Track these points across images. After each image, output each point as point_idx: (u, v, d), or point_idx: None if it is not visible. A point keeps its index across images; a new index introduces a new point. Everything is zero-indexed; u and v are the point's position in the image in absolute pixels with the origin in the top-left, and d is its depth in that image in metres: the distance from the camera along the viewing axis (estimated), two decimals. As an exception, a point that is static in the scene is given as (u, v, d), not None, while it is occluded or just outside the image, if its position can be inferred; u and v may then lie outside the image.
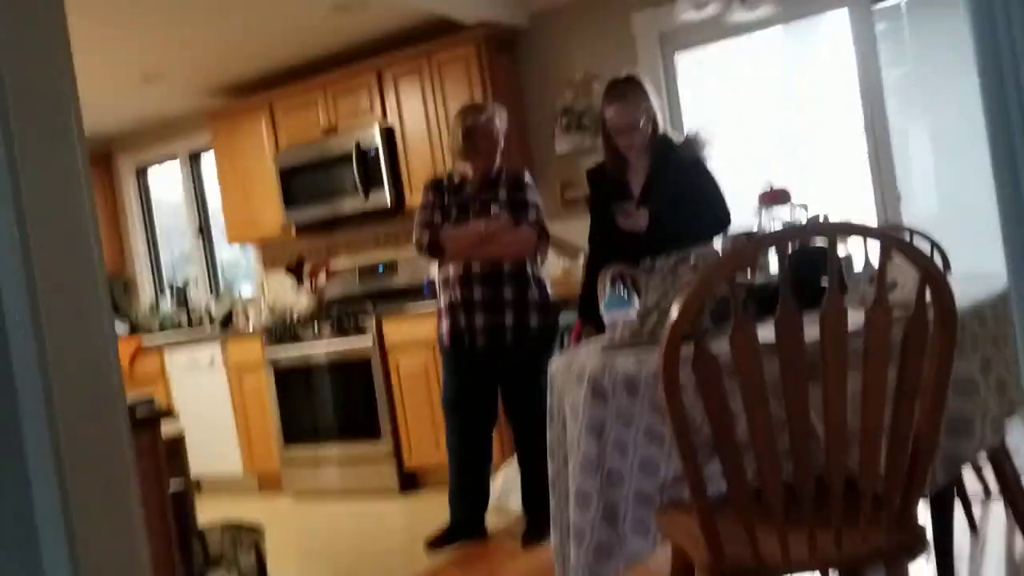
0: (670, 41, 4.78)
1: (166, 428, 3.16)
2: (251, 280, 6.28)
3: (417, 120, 5.05)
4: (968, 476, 3.00)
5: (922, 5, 4.29)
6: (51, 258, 1.73)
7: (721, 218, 3.23)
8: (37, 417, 1.66)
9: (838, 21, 4.44)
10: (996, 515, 3.04)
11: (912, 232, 3.03)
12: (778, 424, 1.53)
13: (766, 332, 1.49)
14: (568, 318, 3.71)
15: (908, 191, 4.38)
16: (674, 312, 1.46)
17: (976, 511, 2.99)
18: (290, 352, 5.10)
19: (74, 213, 1.80)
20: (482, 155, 3.48)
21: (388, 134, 5.11)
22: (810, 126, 4.57)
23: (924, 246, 2.89)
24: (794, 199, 2.71)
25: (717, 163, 3.33)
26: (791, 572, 1.53)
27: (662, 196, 3.17)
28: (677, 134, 3.40)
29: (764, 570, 1.48)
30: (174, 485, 2.75)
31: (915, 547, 1.51)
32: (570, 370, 1.97)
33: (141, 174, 6.71)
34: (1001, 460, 2.29)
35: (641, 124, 3.16)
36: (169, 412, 3.19)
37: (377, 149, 5.07)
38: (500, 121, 3.52)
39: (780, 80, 4.61)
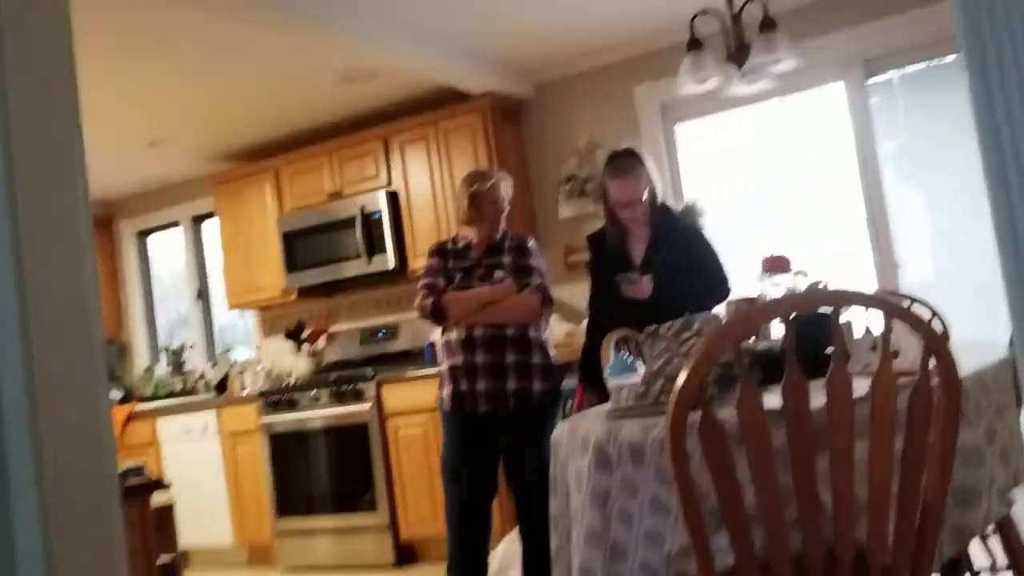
0: (671, 112, 4.89)
1: (156, 497, 3.12)
2: (249, 344, 6.28)
3: (422, 185, 5.12)
4: (975, 548, 2.96)
5: (915, 80, 4.41)
6: (49, 326, 1.73)
7: (721, 286, 3.27)
8: (26, 486, 1.64)
9: (834, 94, 4.55)
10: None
11: (912, 299, 3.06)
12: (785, 493, 1.53)
13: (771, 399, 1.50)
14: (572, 383, 3.70)
15: (905, 258, 4.44)
16: (681, 378, 1.47)
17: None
18: (286, 419, 5.07)
19: (75, 282, 1.81)
20: (486, 220, 3.53)
21: (393, 198, 5.18)
22: (809, 195, 4.64)
23: (924, 313, 2.91)
24: (794, 266, 2.75)
25: (718, 230, 3.39)
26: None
27: (663, 265, 3.21)
28: (675, 203, 3.46)
29: (773, 644, 1.46)
30: (163, 558, 2.71)
31: (926, 621, 1.50)
32: (574, 437, 1.97)
33: (142, 238, 6.76)
34: (1008, 531, 2.27)
35: (643, 197, 3.23)
36: (160, 481, 3.15)
37: (381, 212, 5.13)
38: (505, 188, 3.57)
39: (778, 150, 4.71)
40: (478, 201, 3.51)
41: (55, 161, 1.84)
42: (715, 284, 3.26)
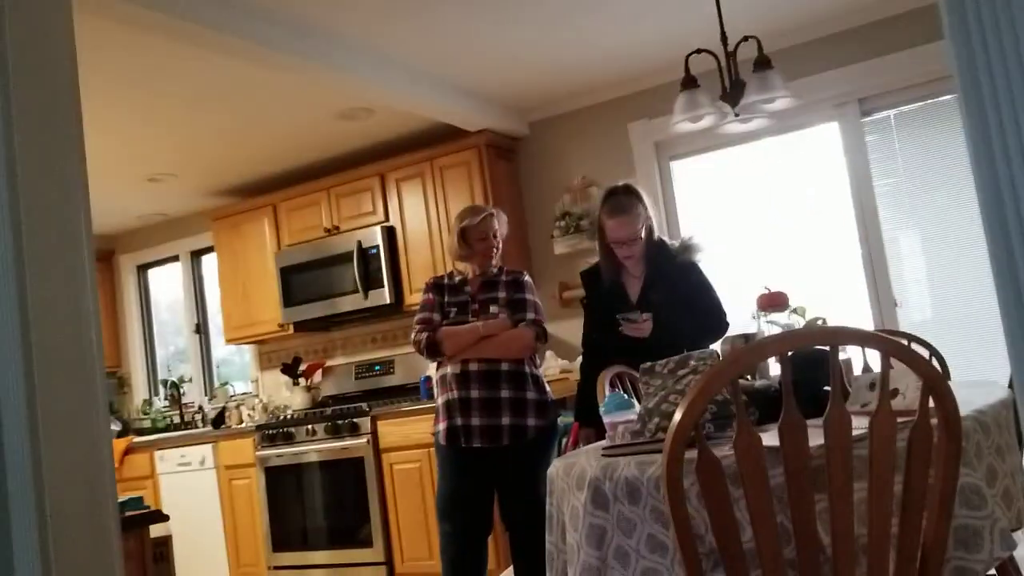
0: (665, 149, 4.90)
1: (154, 530, 3.08)
2: (246, 377, 6.24)
3: (418, 221, 5.12)
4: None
5: (910, 118, 4.42)
6: (52, 359, 1.72)
7: (719, 324, 3.24)
8: (27, 517, 1.62)
9: (829, 133, 4.56)
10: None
11: (910, 338, 3.04)
12: (783, 533, 1.49)
13: (769, 437, 1.47)
14: (567, 419, 3.66)
15: (902, 297, 4.42)
16: (678, 415, 1.44)
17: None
18: (282, 452, 5.02)
19: (77, 316, 1.80)
20: (476, 256, 3.51)
21: (389, 233, 5.18)
22: (805, 232, 4.63)
23: (922, 352, 2.89)
24: (791, 303, 2.73)
25: (714, 267, 3.36)
26: None
27: (660, 303, 3.17)
28: (672, 240, 3.43)
29: None
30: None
31: (928, 665, 1.46)
32: (569, 474, 1.93)
33: (141, 272, 6.74)
34: (1010, 574, 2.23)
35: (640, 234, 3.20)
36: (159, 512, 3.12)
37: (378, 248, 5.12)
38: (499, 223, 3.56)
39: (774, 188, 4.71)
40: (467, 237, 3.51)
41: (58, 197, 1.83)
42: (713, 322, 3.23)
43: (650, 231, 3.27)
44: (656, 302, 3.18)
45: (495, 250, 3.53)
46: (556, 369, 4.70)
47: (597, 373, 3.12)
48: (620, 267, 3.32)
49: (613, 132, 4.96)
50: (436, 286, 3.60)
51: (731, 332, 3.12)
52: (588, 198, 4.95)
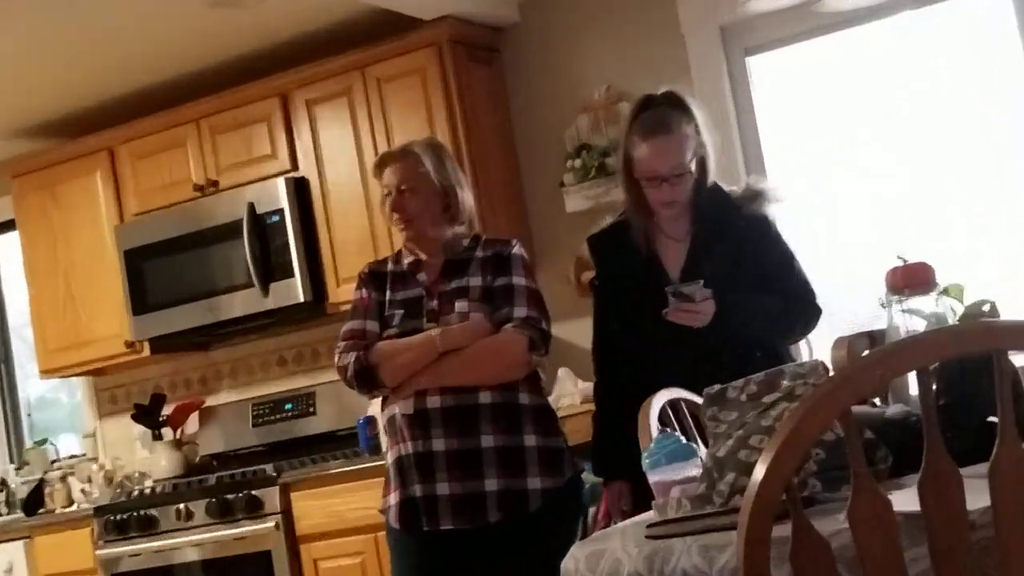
0: (737, 38, 4.92)
1: None
2: (76, 429, 6.26)
3: (346, 167, 5.14)
4: None
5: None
6: None
7: (803, 307, 3.29)
8: None
9: (995, 4, 4.57)
10: None
11: None
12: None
13: (906, 496, 1.51)
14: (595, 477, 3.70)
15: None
16: (760, 469, 1.48)
17: None
18: (139, 549, 5.05)
19: None
20: (398, 224, 3.52)
21: (299, 189, 5.19)
22: (953, 166, 4.64)
23: None
24: (938, 279, 2.76)
25: (807, 223, 3.39)
26: None
27: (715, 278, 3.20)
28: (731, 186, 3.44)
29: None
30: None
31: None
32: (597, 569, 1.97)
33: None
34: None
35: (688, 168, 3.23)
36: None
37: (282, 212, 5.13)
38: (426, 168, 3.51)
39: (905, 97, 4.72)
40: (383, 196, 3.54)
41: None
42: (796, 307, 3.29)
43: (703, 167, 3.30)
44: (709, 277, 3.20)
45: (424, 210, 3.50)
46: (576, 396, 4.70)
47: (618, 398, 3.17)
48: (653, 223, 3.34)
49: (653, 14, 4.97)
50: (373, 277, 3.62)
51: (846, 327, 3.16)
52: (616, 120, 4.97)
